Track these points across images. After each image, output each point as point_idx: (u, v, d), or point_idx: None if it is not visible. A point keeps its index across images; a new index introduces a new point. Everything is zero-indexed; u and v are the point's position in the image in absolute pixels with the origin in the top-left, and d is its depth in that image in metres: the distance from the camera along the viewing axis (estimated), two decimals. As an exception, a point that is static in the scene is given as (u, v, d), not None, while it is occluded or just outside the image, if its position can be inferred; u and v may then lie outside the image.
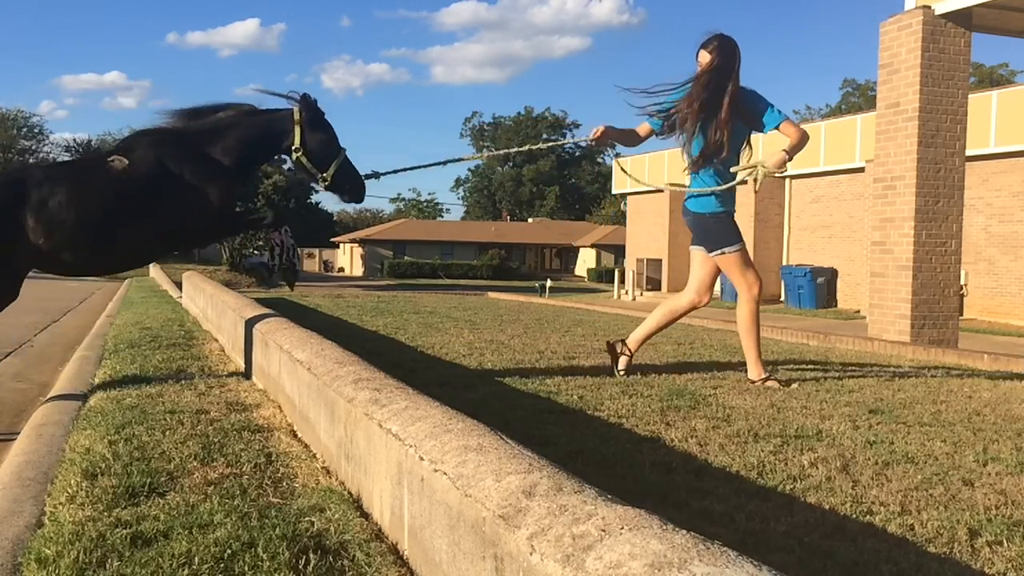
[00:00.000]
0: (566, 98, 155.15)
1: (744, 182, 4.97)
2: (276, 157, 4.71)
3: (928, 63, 9.14)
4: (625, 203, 37.67)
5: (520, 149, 6.57)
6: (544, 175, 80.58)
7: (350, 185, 4.67)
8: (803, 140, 4.88)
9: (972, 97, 11.43)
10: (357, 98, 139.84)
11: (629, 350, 5.29)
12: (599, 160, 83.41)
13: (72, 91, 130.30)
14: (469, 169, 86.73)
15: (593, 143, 5.11)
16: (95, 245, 4.19)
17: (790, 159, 4.87)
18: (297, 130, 4.44)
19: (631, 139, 5.10)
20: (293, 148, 4.46)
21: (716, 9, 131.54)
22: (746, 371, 5.08)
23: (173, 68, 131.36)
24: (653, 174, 31.12)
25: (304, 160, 4.48)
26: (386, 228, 62.20)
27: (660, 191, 6.21)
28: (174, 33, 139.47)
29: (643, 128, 5.07)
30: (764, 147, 5.22)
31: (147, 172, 4.27)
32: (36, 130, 66.91)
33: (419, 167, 5.69)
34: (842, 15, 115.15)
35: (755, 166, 4.87)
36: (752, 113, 4.95)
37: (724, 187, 4.94)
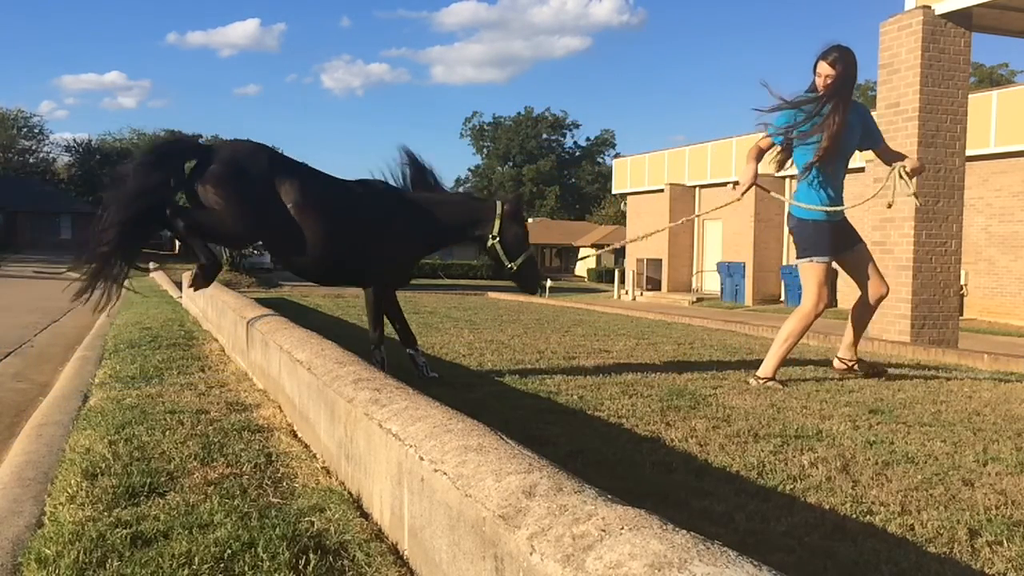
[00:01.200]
0: (566, 98, 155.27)
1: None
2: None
3: (928, 63, 9.14)
4: (625, 203, 37.68)
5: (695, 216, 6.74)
6: (544, 175, 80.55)
7: (530, 278, 5.15)
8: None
9: (972, 97, 11.43)
10: (357, 98, 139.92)
11: (852, 359, 5.35)
12: (599, 160, 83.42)
13: (72, 91, 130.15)
14: (469, 169, 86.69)
15: (742, 196, 5.21)
16: (312, 237, 4.59)
17: (923, 170, 5.06)
18: (498, 221, 4.95)
19: (760, 160, 5.14)
20: (491, 235, 4.96)
21: (716, 9, 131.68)
22: (747, 369, 5.08)
23: (173, 68, 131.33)
24: (653, 174, 31.12)
25: (498, 248, 4.96)
26: (386, 228, 62.04)
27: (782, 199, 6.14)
28: (174, 33, 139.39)
29: (765, 142, 5.09)
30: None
31: (374, 209, 4.85)
32: (36, 130, 67.10)
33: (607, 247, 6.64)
34: (842, 15, 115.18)
35: (893, 170, 5.03)
36: (863, 127, 5.05)
37: (869, 198, 5.08)
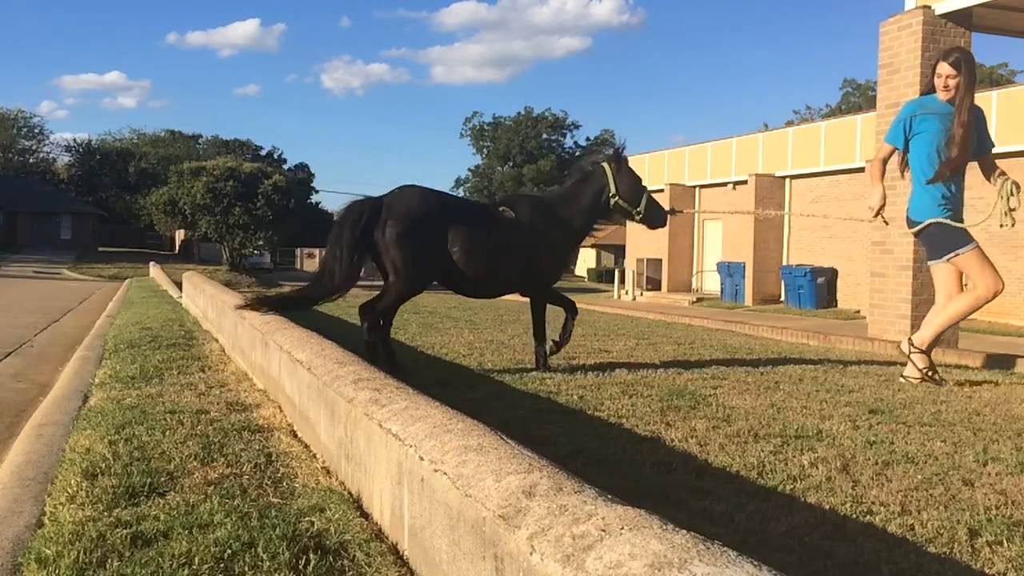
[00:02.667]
0: (566, 98, 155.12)
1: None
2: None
3: (928, 63, 9.13)
4: (625, 203, 37.66)
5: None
6: (545, 175, 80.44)
7: (657, 216, 5.62)
8: None
9: (972, 97, 11.39)
10: (357, 98, 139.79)
11: (921, 370, 5.33)
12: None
13: (72, 91, 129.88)
14: (469, 169, 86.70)
15: (875, 218, 5.27)
16: (479, 261, 5.08)
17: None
18: (611, 181, 5.40)
19: (884, 174, 5.19)
20: (611, 196, 5.40)
21: (716, 9, 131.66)
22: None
23: (173, 68, 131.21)
24: (653, 174, 31.13)
25: (621, 203, 5.42)
26: (386, 228, 61.85)
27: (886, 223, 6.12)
28: (174, 33, 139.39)
29: (885, 151, 5.14)
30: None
31: (521, 223, 5.31)
32: (36, 130, 67.14)
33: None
34: (842, 15, 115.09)
35: (1004, 185, 5.06)
36: (979, 133, 5.05)
37: (987, 218, 5.12)
